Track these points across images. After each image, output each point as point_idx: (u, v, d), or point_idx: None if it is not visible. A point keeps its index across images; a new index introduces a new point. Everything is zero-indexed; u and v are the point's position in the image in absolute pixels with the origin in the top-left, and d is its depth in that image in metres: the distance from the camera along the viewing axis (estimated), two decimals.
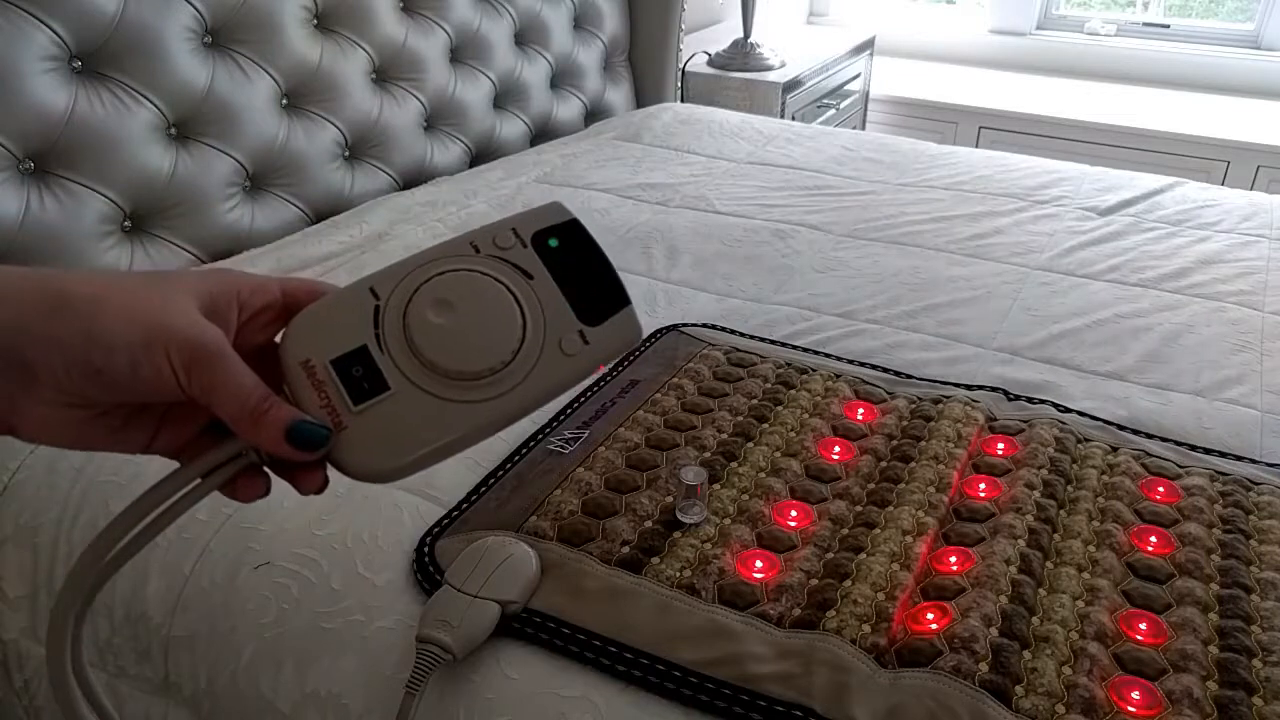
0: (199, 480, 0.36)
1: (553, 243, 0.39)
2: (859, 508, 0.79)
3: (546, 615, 0.67)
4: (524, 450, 0.85)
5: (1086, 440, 0.88)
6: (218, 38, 1.25)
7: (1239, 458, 0.88)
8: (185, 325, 0.34)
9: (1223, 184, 2.17)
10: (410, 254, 0.39)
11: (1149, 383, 1.01)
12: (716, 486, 0.80)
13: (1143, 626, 0.67)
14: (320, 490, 0.37)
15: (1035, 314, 1.14)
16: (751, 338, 1.06)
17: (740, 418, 0.89)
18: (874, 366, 1.01)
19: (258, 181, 1.34)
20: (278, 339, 0.38)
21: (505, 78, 1.74)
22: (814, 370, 0.98)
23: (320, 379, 0.36)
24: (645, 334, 1.06)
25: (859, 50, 2.62)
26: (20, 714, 0.83)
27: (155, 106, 1.18)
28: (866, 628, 0.66)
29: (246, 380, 0.35)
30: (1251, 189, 2.18)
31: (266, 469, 0.37)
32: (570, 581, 0.70)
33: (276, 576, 0.74)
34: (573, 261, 0.39)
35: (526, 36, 1.78)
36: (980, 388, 0.97)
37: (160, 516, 0.36)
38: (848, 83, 2.58)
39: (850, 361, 1.01)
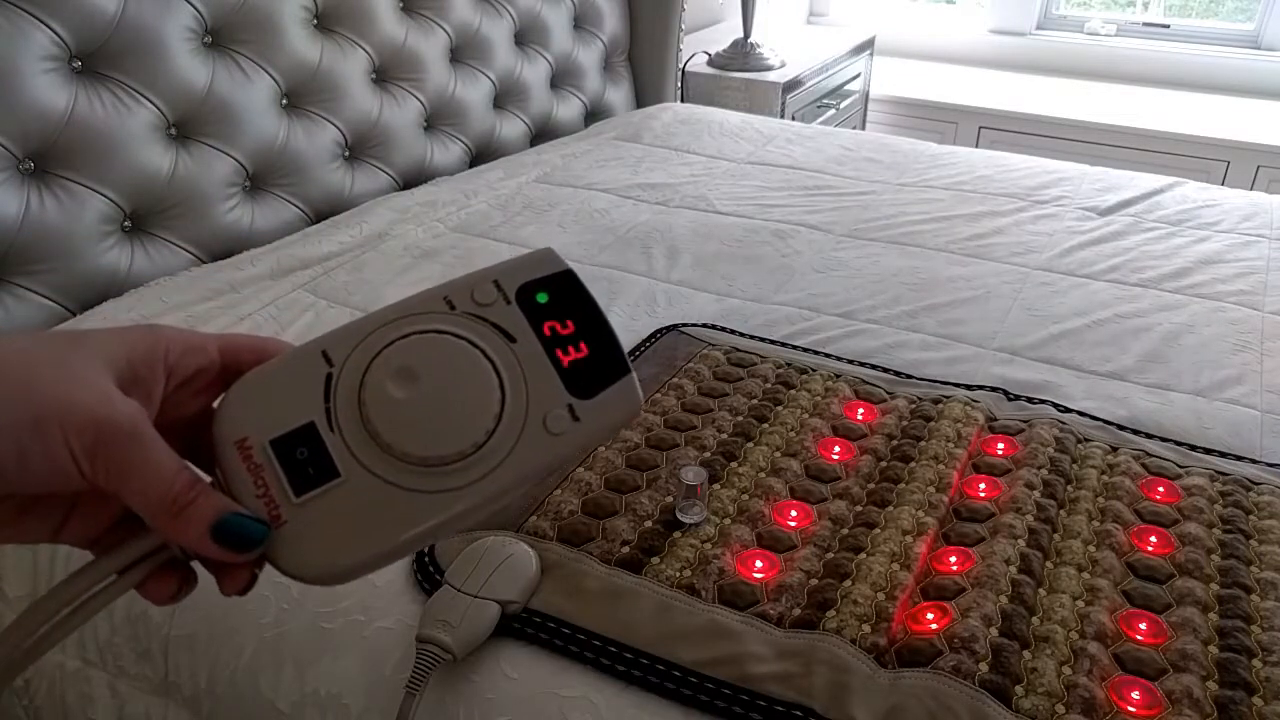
0: (114, 577, 0.30)
1: (541, 298, 0.33)
2: (859, 508, 0.79)
3: (546, 615, 0.67)
4: None
5: (1086, 440, 0.88)
6: (218, 38, 1.25)
7: (1239, 458, 0.88)
8: (90, 401, 0.28)
9: (1223, 184, 2.17)
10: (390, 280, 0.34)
11: (1149, 383, 1.01)
12: (716, 486, 0.80)
13: (1143, 626, 0.67)
14: (244, 592, 0.31)
15: (1035, 314, 1.14)
16: (751, 338, 1.06)
17: (740, 418, 0.89)
18: (874, 366, 1.01)
19: (258, 181, 1.34)
20: (216, 405, 0.33)
21: (505, 78, 1.74)
22: (814, 370, 0.98)
23: (258, 462, 0.31)
24: (645, 334, 1.07)
25: (859, 50, 2.62)
26: (20, 713, 0.83)
27: (155, 106, 1.18)
28: (866, 628, 0.66)
29: (166, 465, 0.29)
30: (1251, 189, 2.18)
31: (193, 564, 0.32)
32: (570, 581, 0.70)
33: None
34: (564, 321, 0.33)
35: (526, 36, 1.79)
36: (980, 388, 0.97)
37: (70, 617, 0.30)
38: (848, 83, 2.58)
39: (850, 361, 1.01)
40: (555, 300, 0.34)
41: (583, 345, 0.33)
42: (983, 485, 0.81)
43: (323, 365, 0.32)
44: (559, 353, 0.33)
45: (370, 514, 0.30)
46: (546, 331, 0.33)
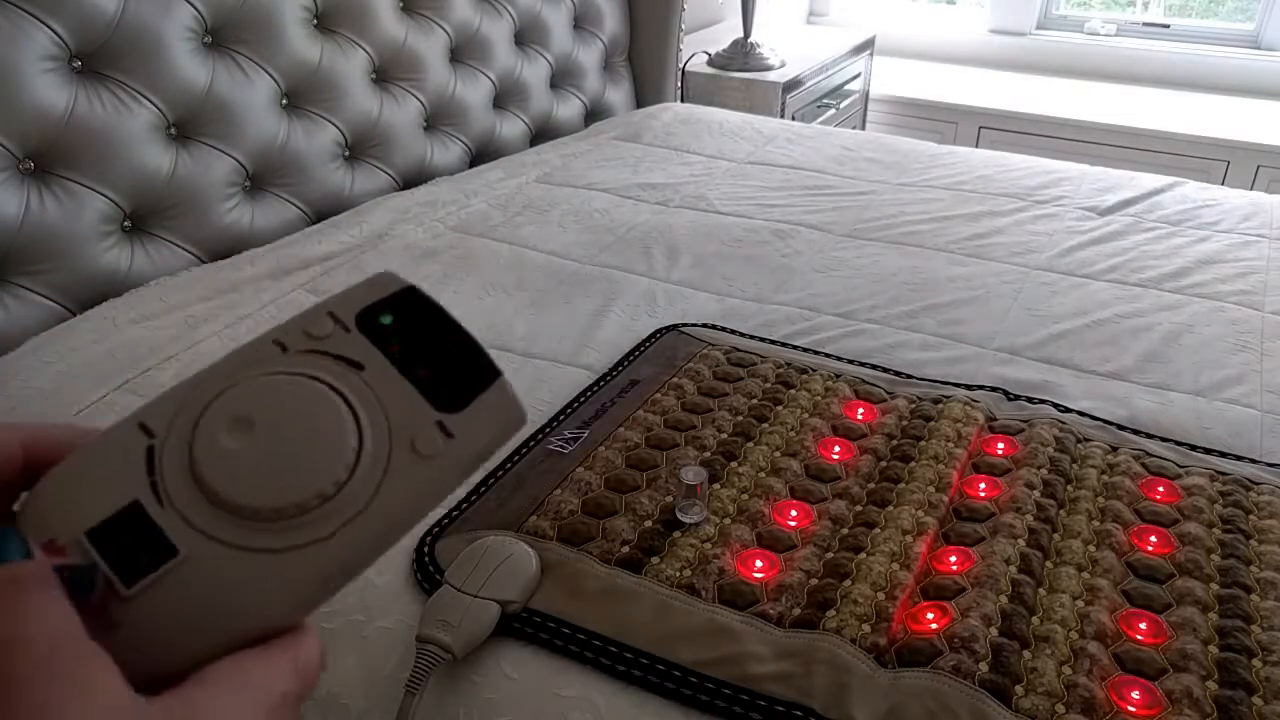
0: None
1: (386, 320, 0.30)
2: (859, 507, 0.79)
3: (546, 615, 0.68)
4: (524, 450, 0.85)
5: (1086, 440, 0.88)
6: (218, 38, 1.25)
7: (1239, 458, 0.88)
8: None
9: (1223, 184, 2.17)
10: (296, 311, 0.30)
11: (1149, 383, 1.01)
12: (716, 486, 0.80)
13: (1143, 626, 0.67)
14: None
15: (1035, 314, 1.14)
16: (751, 338, 1.06)
17: (740, 417, 0.89)
18: (874, 366, 1.01)
19: (258, 181, 1.34)
20: (17, 508, 0.27)
21: (505, 78, 1.74)
22: (814, 370, 0.98)
23: (73, 563, 0.25)
24: (645, 334, 1.07)
25: (859, 50, 2.62)
26: None
27: (155, 106, 1.18)
28: (866, 627, 0.66)
29: None
30: (1251, 189, 2.18)
31: None
32: (570, 581, 0.70)
33: None
34: (416, 338, 0.30)
35: (526, 36, 1.79)
36: (980, 388, 0.97)
37: None
38: (848, 83, 2.58)
39: (850, 361, 1.01)
40: (402, 319, 0.30)
41: (443, 357, 0.30)
42: (983, 485, 0.81)
43: (141, 438, 0.27)
44: (415, 370, 0.29)
45: (230, 589, 0.26)
46: (396, 351, 0.30)
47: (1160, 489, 0.81)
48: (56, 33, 1.07)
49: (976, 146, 2.34)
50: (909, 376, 0.99)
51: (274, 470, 0.27)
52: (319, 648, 0.27)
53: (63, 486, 0.27)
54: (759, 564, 0.71)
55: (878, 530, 0.75)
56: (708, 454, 0.84)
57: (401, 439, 0.28)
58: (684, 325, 1.08)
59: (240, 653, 0.25)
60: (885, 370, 1.00)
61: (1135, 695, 0.61)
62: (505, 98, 1.76)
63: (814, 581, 0.70)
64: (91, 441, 0.28)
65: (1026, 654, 0.64)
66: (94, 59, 1.12)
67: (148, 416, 0.28)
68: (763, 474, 0.82)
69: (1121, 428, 0.91)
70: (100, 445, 0.27)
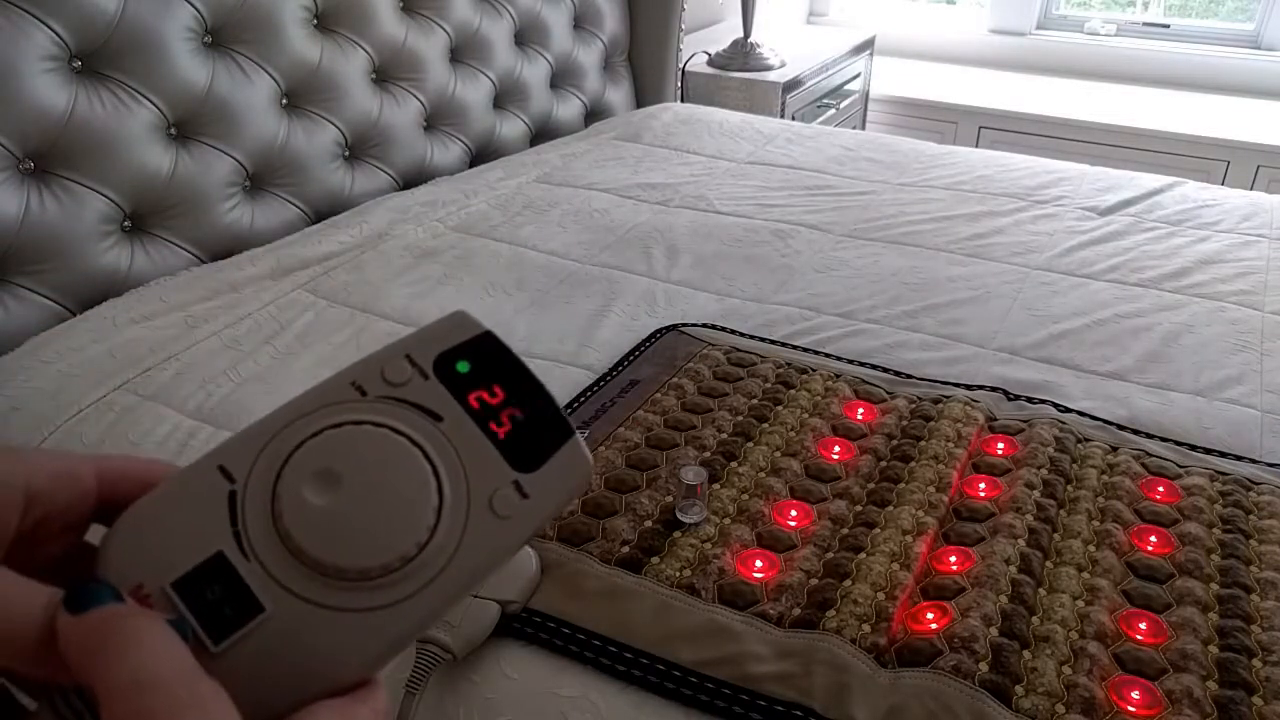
0: None
1: (462, 367, 0.30)
2: (859, 507, 0.79)
3: (546, 615, 0.68)
4: None
5: (1086, 440, 0.88)
6: (218, 38, 1.25)
7: (1239, 458, 0.88)
8: None
9: (1223, 184, 2.17)
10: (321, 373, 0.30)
11: (1149, 383, 1.01)
12: (716, 486, 0.80)
13: (1143, 626, 0.67)
14: None
15: (1035, 314, 1.14)
16: (751, 338, 1.06)
17: (740, 417, 0.89)
18: (874, 366, 1.01)
19: (258, 181, 1.34)
20: (99, 546, 0.27)
21: (505, 78, 1.74)
22: (814, 370, 0.98)
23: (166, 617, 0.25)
24: (645, 334, 1.07)
25: (859, 50, 2.62)
26: None
27: (155, 106, 1.18)
28: (866, 627, 0.66)
29: (20, 594, 0.23)
30: (1251, 189, 2.18)
31: None
32: (570, 581, 0.70)
33: None
34: (491, 389, 0.30)
35: (526, 36, 1.79)
36: (980, 388, 0.97)
37: None
38: (848, 83, 2.58)
39: (850, 361, 1.01)
40: (478, 367, 0.30)
41: (517, 412, 0.29)
42: (983, 485, 0.81)
43: (223, 483, 0.27)
44: (493, 425, 0.29)
45: (309, 646, 0.26)
46: (474, 403, 0.29)
47: (1160, 489, 0.81)
48: (56, 33, 1.07)
49: (976, 146, 2.34)
50: (909, 376, 0.99)
51: (359, 530, 0.27)
52: (387, 700, 0.27)
53: (143, 529, 0.27)
54: (759, 564, 0.71)
55: (878, 530, 0.75)
56: (708, 454, 0.84)
57: (479, 498, 0.28)
58: (684, 325, 1.08)
59: (332, 702, 0.26)
60: (885, 370, 1.00)
61: (1135, 695, 0.61)
62: (505, 98, 1.76)
63: (814, 581, 0.70)
64: (167, 482, 0.28)
65: (1026, 654, 0.64)
66: (94, 59, 1.12)
67: (226, 459, 0.28)
68: (763, 474, 0.82)
69: (1121, 428, 0.91)
70: (178, 487, 0.27)
